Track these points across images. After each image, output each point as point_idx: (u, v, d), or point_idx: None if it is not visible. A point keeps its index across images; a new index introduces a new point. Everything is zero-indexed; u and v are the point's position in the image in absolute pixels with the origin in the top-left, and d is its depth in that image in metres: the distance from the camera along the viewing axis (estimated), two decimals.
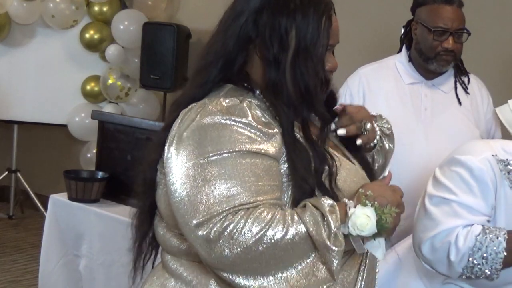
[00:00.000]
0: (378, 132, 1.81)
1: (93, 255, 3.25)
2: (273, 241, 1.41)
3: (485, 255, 1.92)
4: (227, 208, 1.42)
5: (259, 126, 1.50)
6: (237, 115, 1.50)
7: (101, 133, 3.48)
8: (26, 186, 5.55)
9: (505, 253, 1.92)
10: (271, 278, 1.44)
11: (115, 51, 5.16)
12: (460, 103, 2.82)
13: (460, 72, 2.87)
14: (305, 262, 1.45)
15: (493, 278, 1.95)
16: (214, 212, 1.42)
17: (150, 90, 5.29)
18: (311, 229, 1.43)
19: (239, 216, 1.41)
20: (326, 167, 1.56)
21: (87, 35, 5.29)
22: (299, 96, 1.57)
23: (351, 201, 1.51)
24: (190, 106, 1.57)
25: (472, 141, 2.29)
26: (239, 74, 1.60)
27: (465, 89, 2.85)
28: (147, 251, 1.74)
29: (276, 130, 1.53)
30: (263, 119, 1.53)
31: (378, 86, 2.85)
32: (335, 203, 1.49)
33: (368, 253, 1.64)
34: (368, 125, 1.73)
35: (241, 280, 1.45)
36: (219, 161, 1.45)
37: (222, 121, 1.49)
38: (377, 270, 1.72)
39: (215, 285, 1.55)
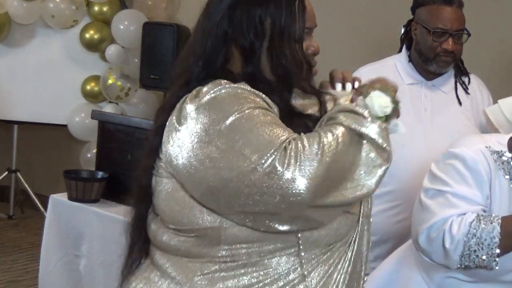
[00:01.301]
0: None
1: (93, 255, 3.25)
2: (332, 148, 1.46)
3: (480, 240, 1.94)
4: (280, 142, 1.46)
5: (262, 95, 1.55)
6: (241, 86, 1.55)
7: (101, 133, 3.48)
8: (26, 186, 5.55)
9: (500, 237, 1.93)
10: (346, 189, 1.49)
11: (115, 51, 5.16)
12: (460, 103, 2.82)
13: (461, 72, 2.87)
14: (361, 160, 1.51)
15: (492, 266, 1.96)
16: (269, 150, 1.45)
17: (150, 90, 5.29)
18: (351, 124, 1.51)
19: (293, 143, 1.46)
20: None
21: (87, 35, 5.29)
22: (279, 81, 1.61)
23: (358, 97, 1.58)
24: (183, 98, 1.58)
25: (467, 135, 2.31)
26: (221, 71, 1.62)
27: (466, 90, 2.85)
28: (137, 256, 1.74)
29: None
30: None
31: None
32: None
33: (356, 244, 1.65)
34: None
35: (323, 200, 1.47)
36: (246, 116, 1.48)
37: (230, 90, 1.53)
38: (363, 262, 1.72)
39: (199, 281, 1.56)
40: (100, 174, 3.43)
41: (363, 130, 1.51)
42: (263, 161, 1.44)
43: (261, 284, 1.55)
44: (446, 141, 2.69)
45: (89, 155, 5.33)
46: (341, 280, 1.62)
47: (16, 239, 5.27)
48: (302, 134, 1.50)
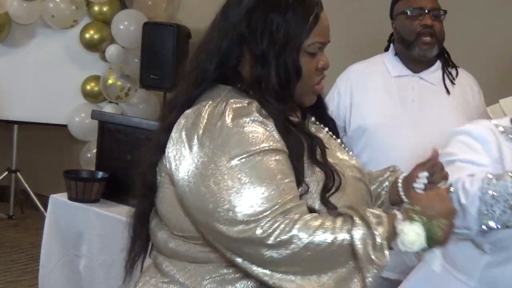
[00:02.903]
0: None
1: (93, 255, 3.25)
2: (319, 248, 1.44)
3: (494, 194, 1.89)
4: (269, 211, 1.45)
5: (269, 124, 1.54)
6: (249, 114, 1.53)
7: (101, 133, 3.48)
8: (26, 186, 5.55)
9: None
10: (306, 279, 1.47)
11: (115, 51, 5.16)
12: (448, 92, 2.83)
13: (447, 64, 2.89)
14: (341, 270, 1.48)
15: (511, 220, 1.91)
16: (257, 215, 1.44)
17: (150, 90, 5.29)
18: (357, 241, 1.45)
19: (286, 221, 1.44)
20: (318, 147, 1.61)
21: (87, 35, 5.29)
22: (282, 88, 1.60)
23: (399, 214, 1.52)
24: (196, 107, 1.57)
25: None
26: (233, 73, 1.63)
27: (452, 80, 2.86)
28: (138, 251, 1.75)
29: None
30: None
31: (366, 82, 2.90)
32: (382, 214, 1.50)
33: None
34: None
35: (277, 277, 1.47)
36: (247, 163, 1.48)
37: (240, 121, 1.52)
38: None
39: (208, 284, 1.57)
40: (100, 174, 3.42)
41: (362, 257, 1.45)
42: (246, 228, 1.44)
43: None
44: (434, 131, 2.72)
45: (89, 155, 5.33)
46: None
47: (16, 239, 5.27)
48: (303, 210, 1.48)
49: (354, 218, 1.48)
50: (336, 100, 2.91)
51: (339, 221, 1.48)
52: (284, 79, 1.60)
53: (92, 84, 5.38)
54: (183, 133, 1.55)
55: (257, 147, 1.49)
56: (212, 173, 1.48)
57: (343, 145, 1.77)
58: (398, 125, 2.77)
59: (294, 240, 1.43)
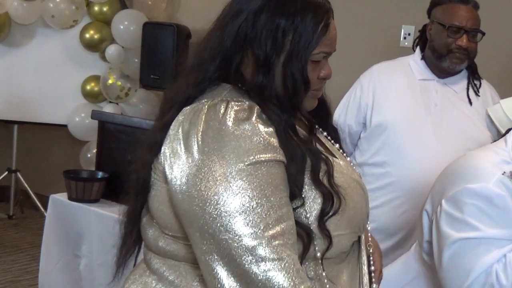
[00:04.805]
0: None
1: (93, 255, 3.26)
2: None
3: None
4: (259, 234, 1.41)
5: (270, 129, 1.50)
6: (250, 119, 1.48)
7: (101, 133, 3.48)
8: (26, 186, 5.55)
9: None
10: None
11: (115, 51, 5.16)
12: (470, 103, 2.84)
13: (473, 75, 2.89)
14: None
15: None
16: (257, 235, 1.41)
17: (150, 90, 5.29)
18: None
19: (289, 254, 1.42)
20: (324, 166, 1.55)
21: (87, 35, 5.29)
22: (288, 98, 1.55)
23: None
24: (195, 104, 1.54)
25: (469, 159, 2.03)
26: (235, 74, 1.58)
27: (476, 92, 2.87)
28: (131, 247, 1.74)
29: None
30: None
31: (390, 81, 2.91)
32: None
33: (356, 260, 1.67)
34: None
35: None
36: (242, 172, 1.43)
37: (239, 126, 1.47)
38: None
39: (198, 286, 1.54)
40: (100, 174, 3.43)
41: None
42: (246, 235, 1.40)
43: None
44: (454, 136, 2.76)
45: (89, 155, 5.33)
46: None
47: (16, 239, 5.27)
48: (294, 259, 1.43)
49: None
50: (358, 96, 2.93)
51: None
52: (291, 90, 1.55)
53: (92, 84, 5.38)
54: (180, 131, 1.50)
55: (255, 157, 1.44)
56: (204, 177, 1.43)
57: (341, 150, 1.74)
58: (419, 126, 2.78)
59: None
